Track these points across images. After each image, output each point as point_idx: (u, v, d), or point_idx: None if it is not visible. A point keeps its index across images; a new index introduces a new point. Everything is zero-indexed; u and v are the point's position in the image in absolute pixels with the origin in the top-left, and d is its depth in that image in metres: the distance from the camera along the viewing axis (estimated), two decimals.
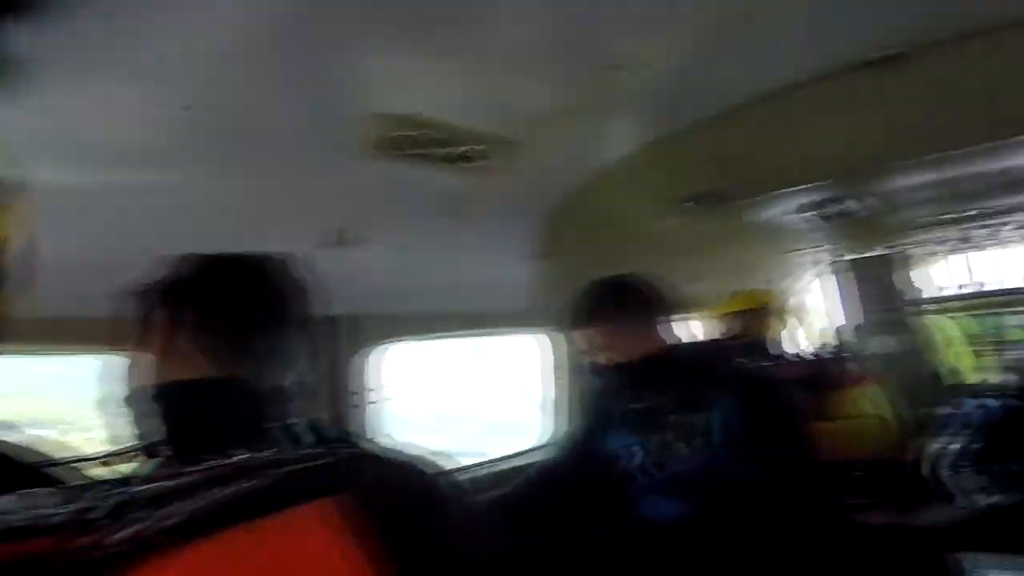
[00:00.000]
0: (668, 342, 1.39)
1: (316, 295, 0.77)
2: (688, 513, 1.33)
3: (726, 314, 2.39)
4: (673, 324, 1.43)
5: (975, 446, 2.26)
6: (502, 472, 1.77)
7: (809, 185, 1.69)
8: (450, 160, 1.42)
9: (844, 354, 2.19)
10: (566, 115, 1.39)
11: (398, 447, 0.93)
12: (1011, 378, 3.28)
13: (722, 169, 1.62)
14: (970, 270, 4.15)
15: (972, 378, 3.46)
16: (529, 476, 1.57)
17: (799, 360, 2.21)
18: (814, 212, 1.97)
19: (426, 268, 1.69)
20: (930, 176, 1.70)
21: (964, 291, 4.15)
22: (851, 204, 1.94)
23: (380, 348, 1.68)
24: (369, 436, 1.59)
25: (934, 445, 2.52)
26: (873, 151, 1.45)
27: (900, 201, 2.04)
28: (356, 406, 1.61)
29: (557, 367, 2.13)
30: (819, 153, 1.50)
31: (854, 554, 1.27)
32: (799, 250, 2.83)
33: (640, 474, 1.42)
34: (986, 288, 4.00)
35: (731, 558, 1.16)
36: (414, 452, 0.69)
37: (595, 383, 1.65)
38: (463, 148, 1.41)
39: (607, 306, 1.39)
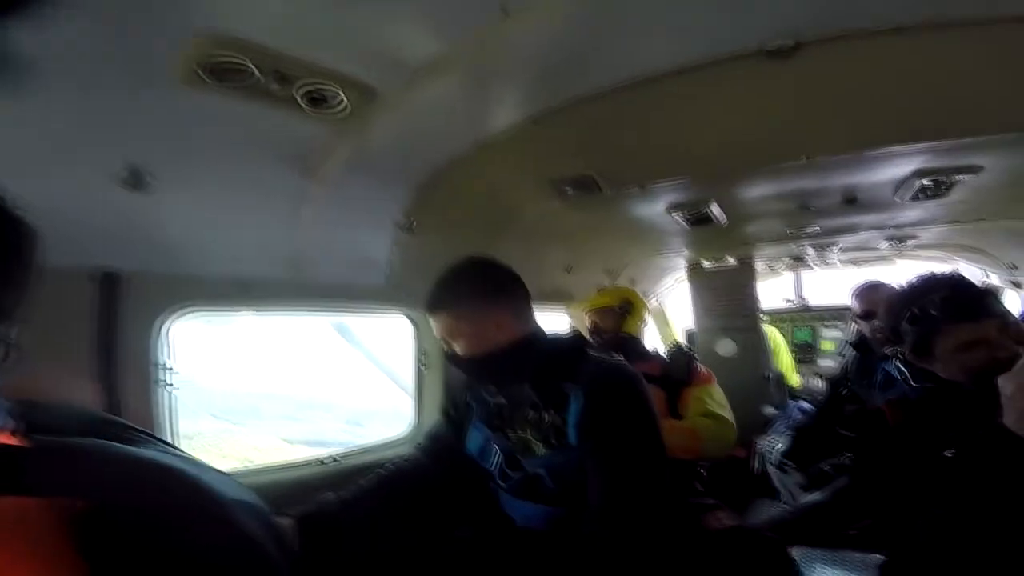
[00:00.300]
0: (525, 333, 1.28)
1: (35, 240, 0.60)
2: (549, 516, 1.23)
3: (591, 309, 2.38)
4: (533, 315, 1.32)
5: (793, 446, 2.51)
6: (359, 467, 1.55)
7: (679, 180, 1.69)
8: (288, 99, 1.15)
9: (693, 354, 2.27)
10: (443, 71, 1.21)
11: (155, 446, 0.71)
12: (819, 385, 3.77)
13: (599, 154, 1.54)
14: (797, 286, 4.77)
15: (794, 383, 3.95)
16: (381, 475, 1.38)
17: (654, 358, 2.25)
18: (681, 213, 2.01)
19: (253, 226, 1.39)
20: (784, 186, 1.80)
21: (791, 305, 4.75)
22: (714, 210, 2.00)
23: (186, 316, 1.34)
24: (141, 424, 1.23)
25: (763, 444, 2.79)
26: (747, 149, 1.46)
27: (753, 212, 2.17)
28: (145, 384, 1.27)
29: (422, 353, 1.93)
30: (695, 148, 1.48)
31: (701, 553, 1.25)
32: (663, 252, 2.94)
33: (499, 475, 1.30)
34: (808, 304, 4.62)
35: (591, 561, 1.06)
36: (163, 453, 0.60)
37: (454, 374, 1.51)
38: (308, 87, 1.15)
39: (461, 291, 1.25)
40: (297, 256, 1.47)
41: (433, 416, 1.65)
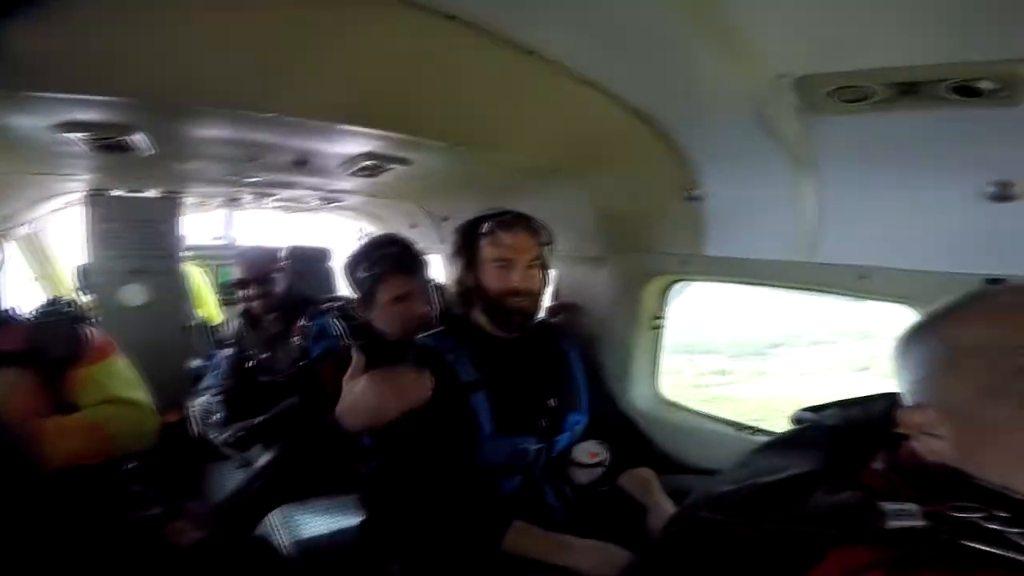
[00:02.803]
0: None
1: None
2: None
3: None
4: None
5: (223, 400, 2.32)
6: None
7: (96, 98, 1.13)
8: None
9: (82, 314, 1.59)
10: None
11: None
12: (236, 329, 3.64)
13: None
14: (228, 223, 4.50)
15: (220, 329, 3.70)
16: None
17: (16, 324, 1.47)
18: (86, 135, 1.38)
19: None
20: (240, 134, 1.54)
21: (219, 242, 4.44)
22: (137, 139, 1.49)
23: None
24: None
25: (196, 404, 2.42)
26: (219, 85, 1.11)
27: (195, 151, 1.79)
28: None
29: None
30: (154, 64, 0.99)
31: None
32: (51, 173, 2.03)
33: None
34: (237, 243, 4.42)
35: None
36: None
37: None
38: None
39: None
40: None
41: None
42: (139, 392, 1.55)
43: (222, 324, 3.73)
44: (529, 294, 1.36)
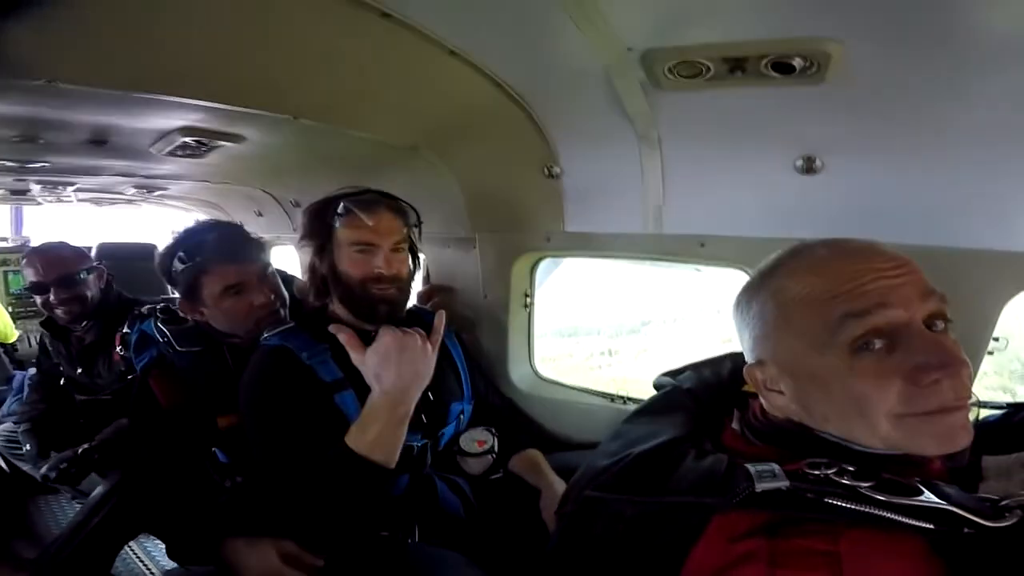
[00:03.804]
0: None
1: None
2: None
3: None
4: None
5: (29, 429, 1.99)
6: None
7: None
8: None
9: None
10: None
11: None
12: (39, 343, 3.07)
13: None
14: (16, 221, 3.71)
15: (16, 345, 3.11)
16: None
17: None
18: None
19: None
20: (9, 109, 1.21)
21: (6, 244, 3.65)
22: None
23: None
24: None
25: None
26: None
27: None
28: None
29: None
30: None
31: None
32: None
33: None
34: (31, 243, 3.65)
35: None
36: None
37: None
38: None
39: None
40: None
41: None
42: None
43: (18, 340, 3.14)
44: (395, 280, 1.27)
